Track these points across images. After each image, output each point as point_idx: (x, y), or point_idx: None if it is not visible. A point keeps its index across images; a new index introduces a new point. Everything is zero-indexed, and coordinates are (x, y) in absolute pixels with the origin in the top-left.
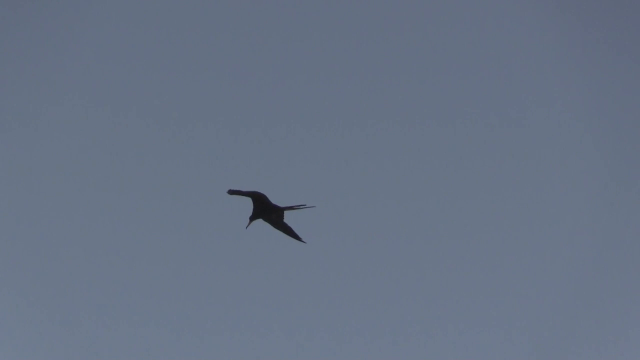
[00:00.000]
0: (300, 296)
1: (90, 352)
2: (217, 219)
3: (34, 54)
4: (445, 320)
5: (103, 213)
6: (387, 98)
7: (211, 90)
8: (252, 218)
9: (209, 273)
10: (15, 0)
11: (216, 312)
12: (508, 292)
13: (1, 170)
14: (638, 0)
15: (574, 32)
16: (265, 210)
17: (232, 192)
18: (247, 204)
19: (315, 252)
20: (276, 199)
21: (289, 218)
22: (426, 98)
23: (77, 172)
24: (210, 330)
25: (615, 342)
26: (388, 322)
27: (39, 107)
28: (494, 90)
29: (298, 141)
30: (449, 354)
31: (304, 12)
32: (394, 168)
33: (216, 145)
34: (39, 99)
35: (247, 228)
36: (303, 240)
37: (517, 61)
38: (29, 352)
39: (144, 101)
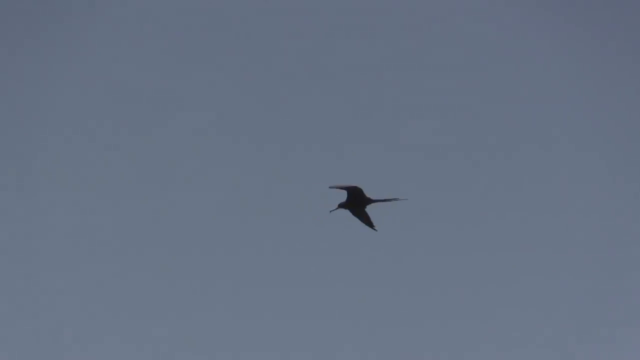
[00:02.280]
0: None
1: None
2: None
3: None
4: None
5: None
6: None
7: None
8: (342, 206)
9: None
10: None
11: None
12: None
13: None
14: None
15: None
16: (360, 202)
17: (334, 185)
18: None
19: (382, 241)
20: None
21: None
22: None
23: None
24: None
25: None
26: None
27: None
28: None
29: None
30: None
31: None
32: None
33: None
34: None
35: (331, 212)
36: (375, 228)
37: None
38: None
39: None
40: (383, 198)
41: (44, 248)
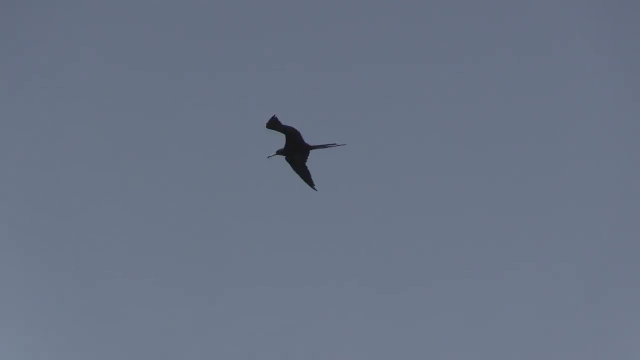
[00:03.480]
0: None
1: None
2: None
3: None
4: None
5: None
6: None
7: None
8: (280, 152)
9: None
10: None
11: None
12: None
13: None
14: None
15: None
16: (297, 147)
17: (272, 122)
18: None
19: (322, 200)
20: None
21: (313, 159)
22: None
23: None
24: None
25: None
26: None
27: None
28: None
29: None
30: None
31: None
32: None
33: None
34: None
35: (268, 158)
36: (315, 187)
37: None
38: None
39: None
40: (322, 144)
41: None
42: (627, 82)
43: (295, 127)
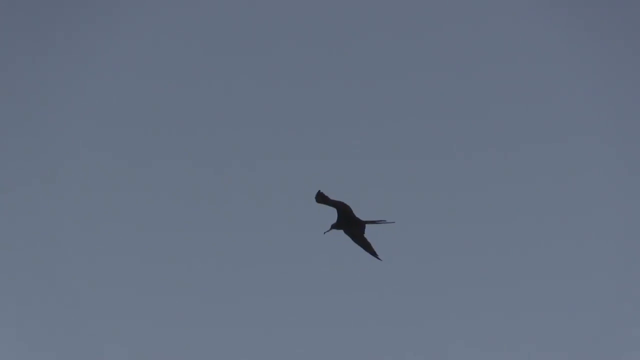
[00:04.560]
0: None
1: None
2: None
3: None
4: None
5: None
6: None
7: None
8: (335, 227)
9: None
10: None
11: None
12: None
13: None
14: None
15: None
16: (349, 222)
17: (320, 197)
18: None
19: (390, 270)
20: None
21: (369, 234)
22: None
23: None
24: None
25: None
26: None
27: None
28: None
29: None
30: None
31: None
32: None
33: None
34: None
35: (325, 233)
36: (379, 257)
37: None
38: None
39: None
40: (372, 220)
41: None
42: None
43: (345, 202)
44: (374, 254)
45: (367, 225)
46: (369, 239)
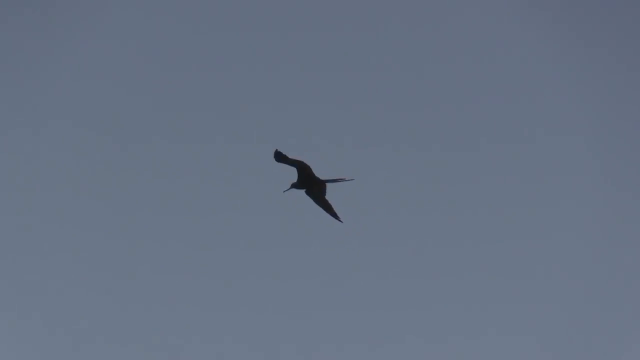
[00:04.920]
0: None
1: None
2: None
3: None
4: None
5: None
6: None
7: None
8: (295, 186)
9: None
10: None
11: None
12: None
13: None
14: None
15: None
16: (309, 181)
17: (278, 155)
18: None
19: (352, 232)
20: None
21: (329, 194)
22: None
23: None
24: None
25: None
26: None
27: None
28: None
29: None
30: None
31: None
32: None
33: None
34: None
35: (284, 192)
36: (340, 219)
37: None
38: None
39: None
40: (332, 178)
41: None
42: None
43: (304, 161)
44: (334, 215)
45: (327, 185)
46: (329, 201)
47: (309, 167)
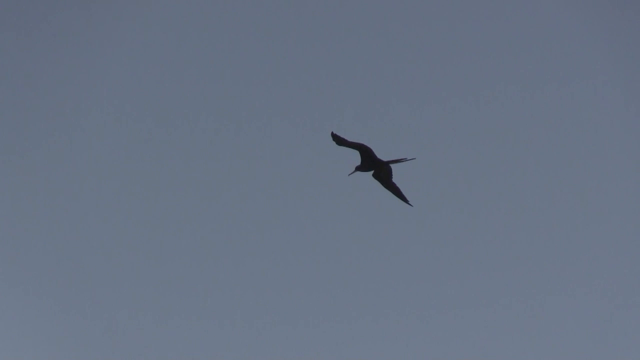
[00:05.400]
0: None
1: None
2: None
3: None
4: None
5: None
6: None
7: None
8: (359, 169)
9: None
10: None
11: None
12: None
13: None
14: None
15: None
16: (372, 163)
17: (337, 138)
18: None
19: (421, 215)
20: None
21: (396, 178)
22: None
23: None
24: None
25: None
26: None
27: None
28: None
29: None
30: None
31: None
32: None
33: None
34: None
35: (349, 175)
36: (410, 203)
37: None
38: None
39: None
40: (393, 159)
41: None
42: None
43: (365, 143)
44: (404, 199)
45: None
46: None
47: (370, 148)
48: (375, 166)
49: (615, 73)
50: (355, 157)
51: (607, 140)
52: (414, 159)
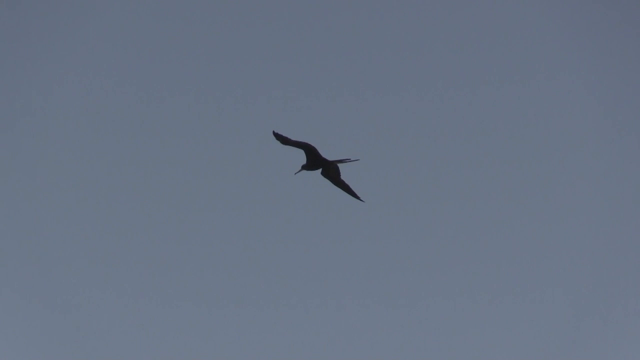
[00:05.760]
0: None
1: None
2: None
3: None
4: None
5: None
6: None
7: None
8: (305, 168)
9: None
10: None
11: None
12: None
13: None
14: None
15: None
16: (317, 162)
17: (280, 137)
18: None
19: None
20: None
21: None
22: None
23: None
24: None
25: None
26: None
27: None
28: None
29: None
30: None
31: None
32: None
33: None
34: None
35: (295, 174)
36: (361, 198)
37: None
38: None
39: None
40: (338, 159)
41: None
42: None
43: (309, 142)
44: (354, 195)
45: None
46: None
47: (315, 148)
48: (321, 165)
49: (593, 71)
50: (301, 157)
51: (580, 140)
52: (358, 160)
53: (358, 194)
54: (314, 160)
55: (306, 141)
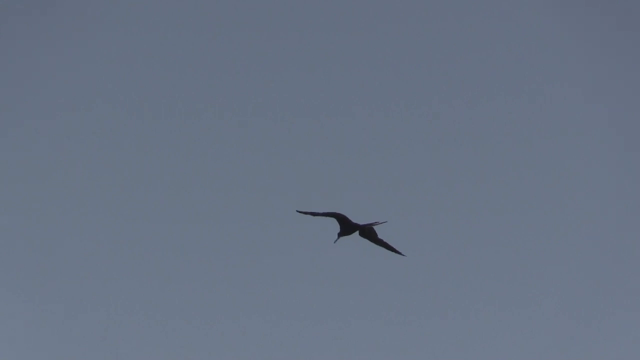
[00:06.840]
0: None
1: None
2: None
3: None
4: None
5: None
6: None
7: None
8: (341, 234)
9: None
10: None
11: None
12: None
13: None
14: None
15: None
16: (350, 228)
17: (307, 213)
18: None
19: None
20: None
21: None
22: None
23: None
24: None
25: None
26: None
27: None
28: None
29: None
30: None
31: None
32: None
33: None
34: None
35: (335, 242)
36: (402, 253)
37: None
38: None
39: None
40: (367, 223)
41: None
42: None
43: (337, 211)
44: (395, 250)
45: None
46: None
47: (345, 216)
48: (355, 230)
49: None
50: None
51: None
52: (386, 222)
53: (399, 249)
54: (347, 227)
55: (332, 211)
